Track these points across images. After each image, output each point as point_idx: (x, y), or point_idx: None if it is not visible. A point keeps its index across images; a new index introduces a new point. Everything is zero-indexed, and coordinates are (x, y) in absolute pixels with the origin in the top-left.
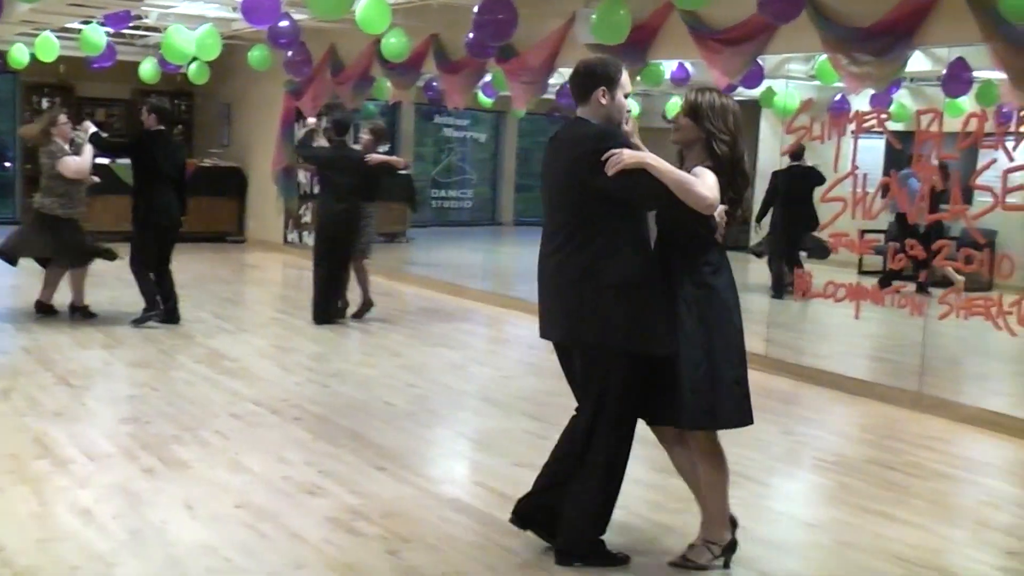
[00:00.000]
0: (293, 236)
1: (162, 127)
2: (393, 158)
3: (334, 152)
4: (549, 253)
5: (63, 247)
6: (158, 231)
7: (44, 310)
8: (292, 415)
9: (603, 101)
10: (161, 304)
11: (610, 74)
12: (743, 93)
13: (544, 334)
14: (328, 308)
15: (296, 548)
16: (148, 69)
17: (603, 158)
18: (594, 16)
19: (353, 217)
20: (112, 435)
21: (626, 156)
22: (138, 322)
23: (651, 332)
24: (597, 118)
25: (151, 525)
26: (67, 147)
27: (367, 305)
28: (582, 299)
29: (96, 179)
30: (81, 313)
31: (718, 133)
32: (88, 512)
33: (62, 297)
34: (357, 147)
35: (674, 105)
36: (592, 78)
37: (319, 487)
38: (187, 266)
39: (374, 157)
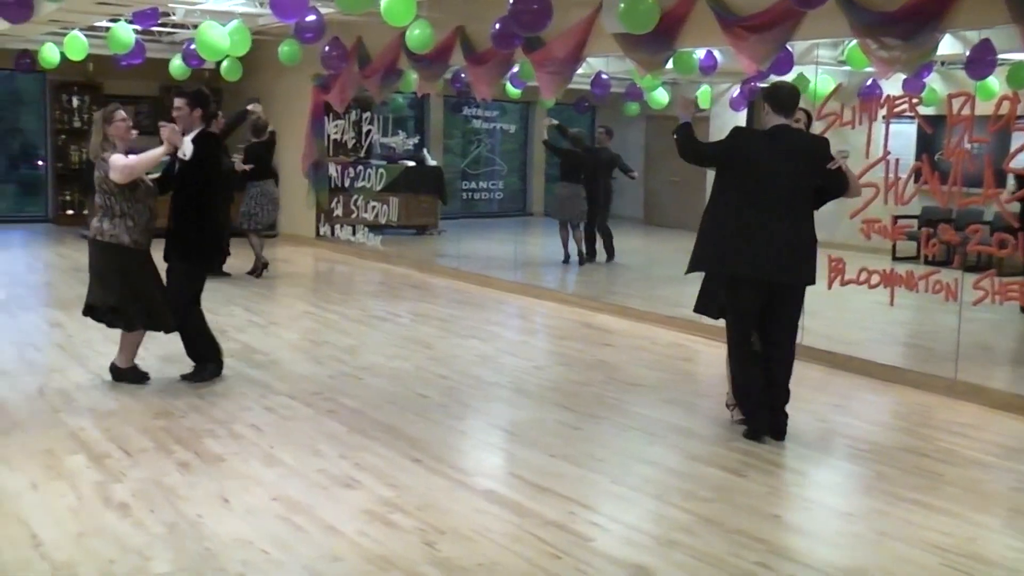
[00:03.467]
0: (325, 230)
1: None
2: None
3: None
4: (788, 225)
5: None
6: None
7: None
8: (326, 408)
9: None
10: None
11: None
12: (774, 80)
13: (774, 279)
14: None
15: (332, 541)
16: (178, 65)
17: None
18: (622, 5)
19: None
20: (146, 430)
21: (841, 160)
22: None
23: None
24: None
25: (187, 519)
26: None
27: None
28: (813, 253)
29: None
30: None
31: None
32: (124, 506)
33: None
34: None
35: (705, 93)
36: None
37: (354, 480)
38: None
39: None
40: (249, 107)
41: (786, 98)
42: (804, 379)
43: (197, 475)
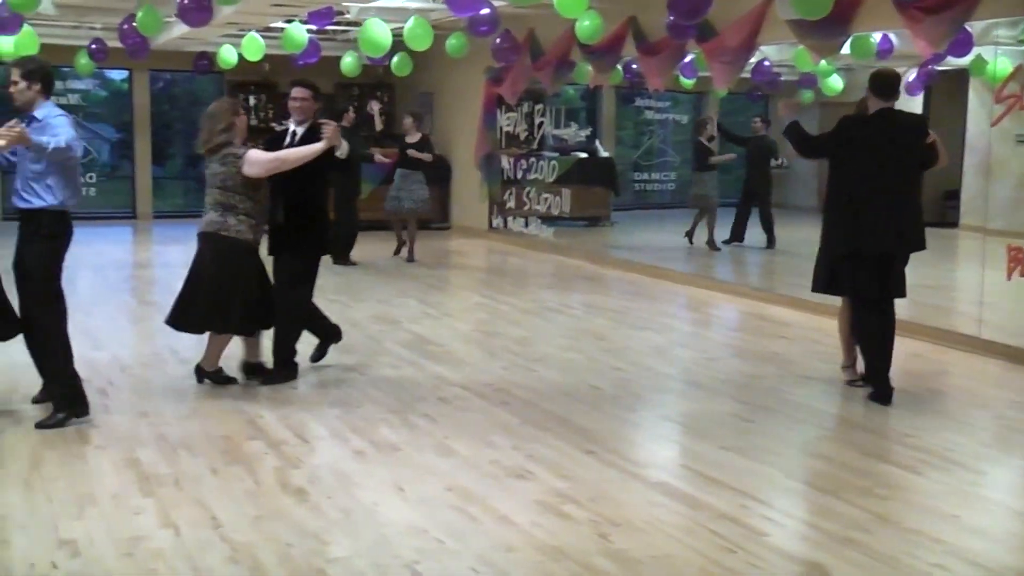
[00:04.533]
0: (498, 221)
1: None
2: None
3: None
4: (896, 200)
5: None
6: None
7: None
8: (499, 399)
9: None
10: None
11: None
12: (951, 62)
13: (891, 248)
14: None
15: (505, 531)
16: (349, 63)
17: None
18: None
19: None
20: (322, 418)
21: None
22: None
23: None
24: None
25: (362, 505)
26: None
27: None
28: (919, 221)
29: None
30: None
31: None
32: (302, 491)
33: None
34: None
35: None
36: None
37: (527, 471)
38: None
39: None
40: (368, 108)
41: (888, 84)
42: (983, 374)
43: (372, 463)
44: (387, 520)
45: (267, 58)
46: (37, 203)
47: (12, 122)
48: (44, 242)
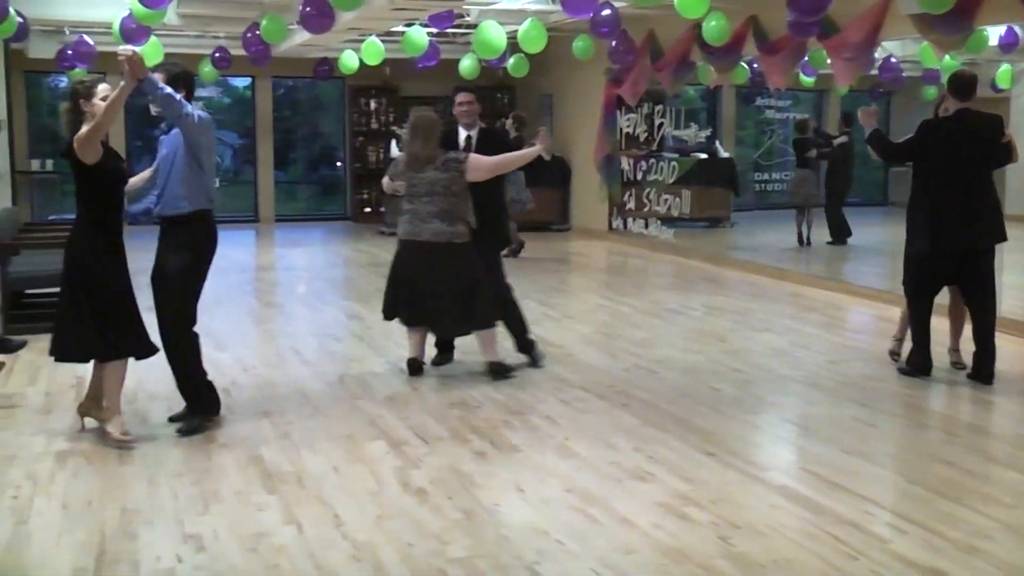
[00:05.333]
0: (618, 223)
1: None
2: None
3: None
4: (975, 194)
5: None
6: None
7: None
8: (619, 401)
9: None
10: None
11: None
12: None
13: (971, 244)
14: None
15: (625, 533)
16: (468, 65)
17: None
18: None
19: None
20: (443, 419)
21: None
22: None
23: None
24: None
25: (483, 506)
26: None
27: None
28: (997, 215)
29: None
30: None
31: None
32: (422, 492)
33: None
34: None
35: (1006, 72)
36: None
37: (648, 472)
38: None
39: None
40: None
41: (966, 85)
42: None
43: (493, 464)
44: (507, 521)
45: (387, 62)
46: (185, 207)
47: (129, 52)
48: (185, 252)
